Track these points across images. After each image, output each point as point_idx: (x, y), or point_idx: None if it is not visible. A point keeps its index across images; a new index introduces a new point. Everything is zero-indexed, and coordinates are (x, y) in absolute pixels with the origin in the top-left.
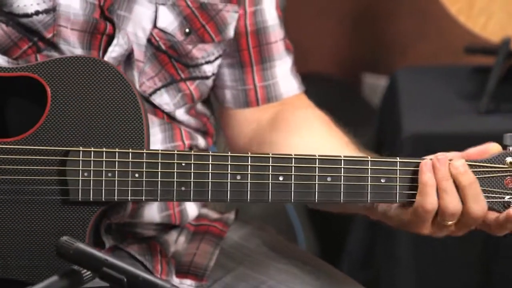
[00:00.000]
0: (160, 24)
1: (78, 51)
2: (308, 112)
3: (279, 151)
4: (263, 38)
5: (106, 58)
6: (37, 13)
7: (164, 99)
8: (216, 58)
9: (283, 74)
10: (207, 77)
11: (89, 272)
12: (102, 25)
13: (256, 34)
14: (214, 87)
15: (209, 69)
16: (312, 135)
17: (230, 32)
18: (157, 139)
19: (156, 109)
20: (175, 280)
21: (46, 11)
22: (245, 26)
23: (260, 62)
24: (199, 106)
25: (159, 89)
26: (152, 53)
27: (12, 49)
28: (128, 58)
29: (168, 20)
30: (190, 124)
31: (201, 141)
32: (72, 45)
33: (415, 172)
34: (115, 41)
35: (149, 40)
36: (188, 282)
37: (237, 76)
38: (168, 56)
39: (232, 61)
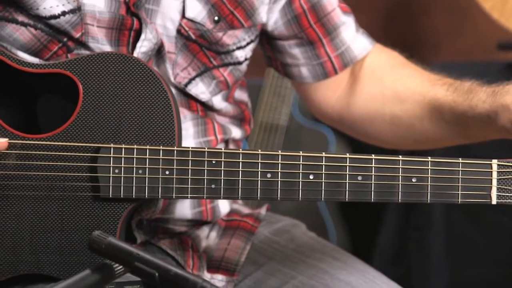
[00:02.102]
0: (188, 14)
1: (107, 48)
2: (386, 55)
3: (371, 101)
4: (320, 12)
5: (135, 54)
6: (63, 13)
7: (199, 88)
8: (248, 43)
9: (352, 37)
10: (239, 63)
11: (121, 267)
12: (128, 21)
13: (313, 10)
14: (288, 66)
15: (241, 55)
16: (401, 73)
17: (260, 17)
18: (189, 134)
19: (191, 101)
20: (206, 275)
21: (72, 11)
22: (301, 6)
23: (326, 34)
24: (237, 94)
25: (193, 78)
26: (183, 44)
27: (43, 52)
28: (158, 51)
29: (197, 10)
30: (228, 112)
31: (236, 133)
32: (101, 42)
33: (446, 172)
34: (142, 36)
35: (178, 31)
36: (219, 277)
37: (310, 53)
38: (199, 45)
39: (301, 41)
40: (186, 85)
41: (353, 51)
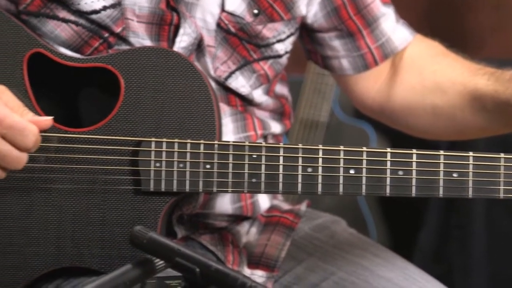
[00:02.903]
0: (228, 7)
1: (148, 43)
2: (426, 45)
3: (412, 91)
4: (360, 3)
5: (175, 49)
6: (104, 8)
7: (240, 82)
8: (288, 36)
9: (392, 28)
10: (279, 56)
11: (162, 262)
12: (168, 15)
13: (352, 2)
14: (329, 59)
15: (281, 48)
16: (442, 64)
17: (300, 9)
18: (229, 130)
19: (230, 96)
20: (247, 271)
21: (113, 6)
22: None
23: (366, 25)
24: (277, 88)
25: (233, 72)
26: (223, 37)
27: (84, 47)
28: (198, 46)
29: (236, 3)
30: (268, 106)
31: (275, 128)
32: (141, 37)
33: (488, 167)
34: (181, 31)
35: (218, 25)
36: (259, 273)
37: (350, 45)
38: (239, 38)
39: (340, 33)
40: (226, 78)
41: (393, 42)
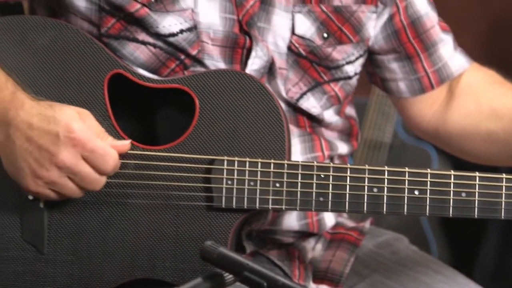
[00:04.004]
0: (298, 31)
1: (221, 65)
2: (483, 73)
3: (468, 117)
4: (420, 28)
5: (247, 71)
6: (181, 31)
7: (311, 103)
8: (357, 58)
9: (449, 54)
10: (349, 77)
11: (231, 276)
12: (241, 39)
13: (412, 26)
14: (387, 81)
15: (350, 69)
16: (498, 91)
17: (368, 32)
18: (297, 150)
19: (299, 117)
20: (312, 286)
21: (189, 29)
22: (401, 21)
23: (424, 49)
24: (347, 109)
25: (305, 93)
26: (294, 60)
27: (161, 69)
28: (269, 68)
29: (306, 27)
30: (337, 126)
31: (342, 148)
32: (216, 59)
33: None
34: (253, 54)
35: (289, 48)
36: (324, 287)
37: (407, 68)
38: (309, 60)
39: (399, 56)
40: (297, 99)
41: (450, 67)
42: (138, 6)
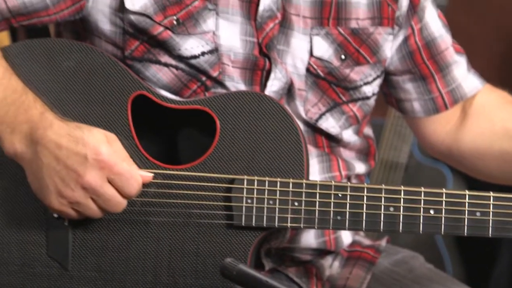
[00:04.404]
0: (316, 53)
1: (242, 86)
2: (496, 94)
3: (481, 137)
4: (434, 49)
5: (267, 92)
6: (203, 53)
7: (330, 123)
8: (375, 79)
9: (463, 75)
10: (367, 98)
11: None
12: (261, 61)
13: (427, 47)
14: (402, 101)
15: (368, 90)
16: (510, 110)
17: (385, 53)
18: (315, 170)
19: (318, 138)
20: None
21: (210, 52)
22: (416, 43)
23: (438, 70)
24: (366, 129)
25: (324, 113)
26: (313, 81)
27: (183, 90)
28: (288, 90)
29: (323, 49)
30: (355, 146)
31: (360, 168)
32: (236, 81)
33: None
34: (272, 75)
35: (307, 69)
36: None
37: (422, 88)
38: (328, 82)
39: (413, 76)
40: (317, 120)
41: (463, 88)
42: (161, 29)
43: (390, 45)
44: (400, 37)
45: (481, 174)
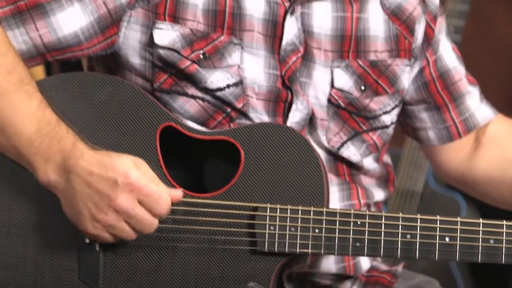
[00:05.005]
0: (337, 84)
1: (265, 118)
2: (508, 123)
3: (494, 165)
4: (448, 80)
5: (288, 123)
6: (228, 86)
7: (351, 151)
8: (393, 108)
9: (476, 105)
10: (386, 126)
11: None
12: (284, 93)
13: (441, 78)
14: (417, 130)
15: (387, 119)
16: None
17: (403, 83)
18: (335, 198)
19: (339, 166)
20: None
21: (235, 84)
22: (431, 74)
23: (452, 100)
24: (385, 157)
25: (345, 142)
26: (334, 111)
27: (209, 121)
28: (310, 120)
29: (344, 80)
30: (375, 173)
31: (379, 195)
32: (260, 112)
33: None
34: (294, 107)
35: (329, 100)
36: None
37: (436, 117)
38: (348, 112)
39: (428, 106)
40: (338, 148)
41: (476, 117)
42: (189, 63)
43: (407, 76)
44: (416, 68)
45: (494, 201)
